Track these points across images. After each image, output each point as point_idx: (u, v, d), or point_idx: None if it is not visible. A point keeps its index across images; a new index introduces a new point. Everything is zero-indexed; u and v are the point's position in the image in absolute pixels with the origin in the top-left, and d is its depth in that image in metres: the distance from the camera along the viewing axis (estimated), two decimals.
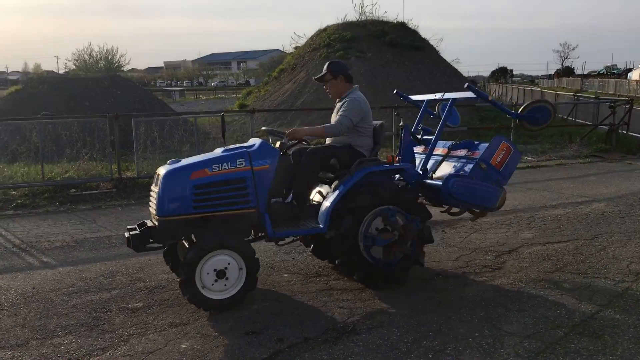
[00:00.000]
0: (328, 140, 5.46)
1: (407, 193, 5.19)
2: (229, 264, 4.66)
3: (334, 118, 5.33)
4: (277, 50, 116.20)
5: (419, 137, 6.06)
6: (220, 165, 4.74)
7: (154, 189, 4.77)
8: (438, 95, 6.03)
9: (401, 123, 5.63)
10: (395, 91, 7.10)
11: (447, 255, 6.19)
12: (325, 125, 5.22)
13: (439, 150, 5.78)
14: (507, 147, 5.32)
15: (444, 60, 21.17)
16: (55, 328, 4.53)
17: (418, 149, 5.92)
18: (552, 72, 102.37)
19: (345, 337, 4.23)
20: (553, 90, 30.04)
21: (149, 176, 10.21)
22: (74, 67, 47.36)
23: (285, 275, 5.68)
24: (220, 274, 4.64)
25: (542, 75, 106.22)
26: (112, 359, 3.97)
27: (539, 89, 29.16)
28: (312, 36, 22.33)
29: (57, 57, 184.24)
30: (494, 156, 5.26)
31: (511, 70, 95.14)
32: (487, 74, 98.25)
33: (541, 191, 9.94)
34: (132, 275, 5.81)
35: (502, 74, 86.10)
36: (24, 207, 9.32)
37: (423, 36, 21.33)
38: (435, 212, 5.88)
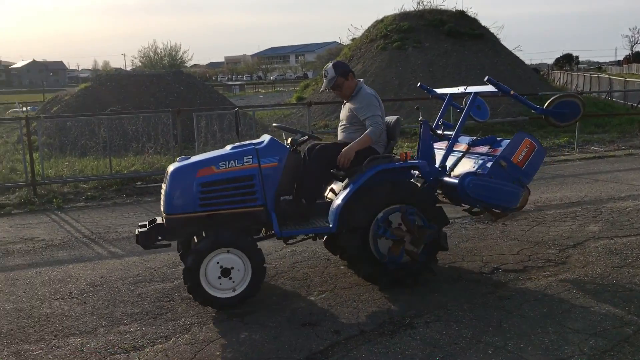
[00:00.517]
0: (340, 137, 5.33)
1: (426, 195, 5.01)
2: (234, 264, 4.60)
3: (346, 115, 5.24)
4: (335, 42, 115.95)
5: (440, 132, 5.79)
6: (227, 162, 4.67)
7: (163, 187, 4.77)
8: (461, 89, 5.77)
9: (420, 118, 5.41)
10: (419, 84, 6.88)
11: (508, 249, 6.04)
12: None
13: (461, 146, 5.55)
14: (531, 144, 5.06)
15: (505, 49, 20.57)
16: (121, 316, 4.72)
17: (441, 145, 5.66)
18: (620, 58, 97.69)
19: (402, 331, 4.21)
20: (622, 76, 28.63)
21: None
22: (139, 64, 48.80)
23: (342, 267, 5.69)
24: (225, 272, 4.59)
25: (609, 62, 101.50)
26: (174, 347, 4.10)
27: (606, 75, 27.88)
28: (368, 27, 22.19)
29: (124, 55, 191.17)
30: (515, 153, 5.01)
31: (577, 57, 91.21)
32: (550, 61, 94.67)
33: (609, 182, 9.52)
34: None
35: (567, 61, 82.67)
36: (93, 199, 9.74)
37: (483, 24, 20.82)
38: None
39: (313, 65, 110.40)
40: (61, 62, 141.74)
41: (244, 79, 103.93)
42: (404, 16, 20.86)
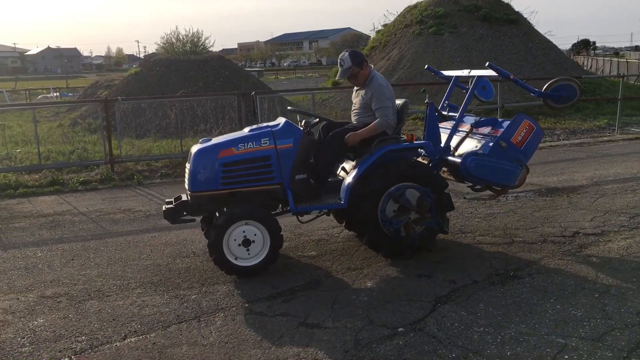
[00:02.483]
0: (353, 119, 5.62)
1: (420, 168, 5.37)
2: (255, 235, 5.02)
3: (359, 101, 5.53)
4: (348, 28, 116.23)
5: (445, 113, 6.15)
6: (246, 144, 5.07)
7: (187, 166, 5.18)
8: (465, 72, 6.11)
9: (426, 100, 5.73)
10: (426, 66, 7.22)
11: (581, 217, 6.60)
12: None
13: (465, 127, 5.83)
14: (530, 126, 5.37)
15: (539, 33, 20.92)
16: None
17: (446, 125, 5.95)
18: (637, 43, 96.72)
19: (509, 281, 4.80)
20: None
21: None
22: (162, 50, 49.28)
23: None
24: (246, 243, 5.02)
25: (626, 47, 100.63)
26: (315, 294, 4.72)
27: (624, 60, 28.07)
28: (402, 13, 22.58)
29: (138, 42, 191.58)
30: (515, 134, 5.33)
31: (594, 43, 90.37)
32: (565, 46, 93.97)
33: None
34: (293, 231, 6.56)
35: (584, 47, 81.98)
36: (167, 176, 10.38)
37: (516, 9, 21.18)
38: (553, 180, 6.27)
39: (327, 52, 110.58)
40: (75, 49, 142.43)
41: (258, 65, 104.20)
42: (438, 2, 21.23)
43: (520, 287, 4.66)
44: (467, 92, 6.12)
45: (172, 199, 5.47)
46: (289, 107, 5.82)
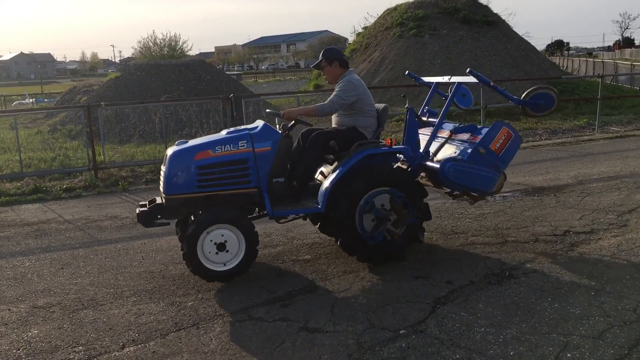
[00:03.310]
0: (334, 123, 5.59)
1: (417, 186, 5.32)
2: (228, 238, 4.93)
3: None
4: (326, 31, 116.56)
5: (424, 119, 6.13)
6: (223, 146, 4.99)
7: (163, 169, 5.08)
8: (445, 79, 6.12)
9: (406, 105, 5.74)
10: (407, 72, 7.21)
11: (570, 215, 6.68)
12: (317, 104, 5.42)
13: (444, 133, 5.86)
14: (508, 133, 5.37)
15: (517, 35, 21.19)
16: (248, 275, 5.28)
17: (426, 131, 5.92)
18: (609, 44, 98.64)
19: (506, 281, 4.83)
20: (624, 61, 29.45)
21: None
22: (139, 54, 48.78)
23: (426, 233, 6.27)
24: (221, 247, 4.93)
25: (598, 48, 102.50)
26: (313, 298, 4.70)
27: (611, 60, 28.65)
28: (382, 15, 22.68)
29: (113, 46, 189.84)
30: (493, 141, 5.33)
31: (567, 43, 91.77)
32: (540, 47, 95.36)
33: (638, 158, 10.20)
34: (285, 235, 6.53)
35: (557, 47, 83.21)
36: (152, 182, 10.26)
37: (494, 11, 21.42)
38: (539, 180, 6.35)
39: (304, 55, 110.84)
40: (49, 54, 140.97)
41: (236, 68, 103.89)
42: (418, 4, 21.38)
43: (517, 286, 4.69)
44: (446, 99, 6.12)
45: (147, 202, 5.35)
46: (267, 110, 5.70)
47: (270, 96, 18.69)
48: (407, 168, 5.49)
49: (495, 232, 6.18)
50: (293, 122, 5.34)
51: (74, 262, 5.95)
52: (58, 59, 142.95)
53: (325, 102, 5.37)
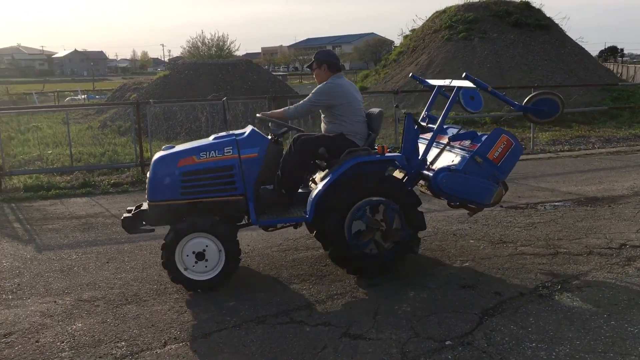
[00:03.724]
0: (322, 131, 5.36)
1: (411, 196, 5.02)
2: (206, 246, 4.78)
3: None
4: (372, 34, 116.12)
5: (424, 124, 5.73)
6: (208, 153, 4.83)
7: (148, 174, 4.95)
8: (447, 82, 5.91)
9: (404, 110, 5.53)
10: (410, 74, 6.96)
11: (626, 228, 6.37)
12: (284, 109, 5.23)
13: (444, 139, 5.60)
14: (508, 141, 5.06)
15: (571, 40, 20.55)
16: (289, 277, 5.24)
17: (428, 136, 5.57)
18: None
19: (558, 294, 4.62)
20: None
21: None
22: (187, 53, 49.61)
23: (472, 241, 6.11)
24: (200, 256, 4.79)
25: None
26: (355, 303, 4.61)
27: None
28: (430, 18, 22.38)
29: (163, 45, 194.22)
30: (491, 150, 5.02)
31: (621, 50, 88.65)
32: (593, 54, 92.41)
33: None
34: None
35: (611, 54, 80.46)
36: None
37: (547, 15, 20.85)
38: (592, 189, 6.05)
39: (349, 57, 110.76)
40: (101, 52, 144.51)
41: (281, 69, 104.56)
42: (468, 7, 21.01)
43: (569, 301, 4.48)
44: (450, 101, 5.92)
45: (133, 208, 5.23)
46: (257, 114, 5.27)
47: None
48: (404, 177, 5.32)
49: (546, 243, 5.94)
50: (285, 128, 5.18)
51: (119, 257, 6.02)
52: (110, 57, 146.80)
53: (296, 104, 5.19)
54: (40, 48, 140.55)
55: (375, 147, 5.23)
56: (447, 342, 3.86)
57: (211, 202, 4.86)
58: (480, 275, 5.09)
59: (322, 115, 5.37)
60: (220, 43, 51.49)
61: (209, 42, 51.23)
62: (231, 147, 4.86)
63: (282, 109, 5.24)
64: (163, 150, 5.10)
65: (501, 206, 7.52)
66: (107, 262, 5.85)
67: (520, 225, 6.64)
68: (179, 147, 5.11)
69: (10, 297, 4.99)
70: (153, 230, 5.23)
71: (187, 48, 52.29)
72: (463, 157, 5.08)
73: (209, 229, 4.76)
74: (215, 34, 56.56)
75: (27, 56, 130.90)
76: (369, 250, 4.93)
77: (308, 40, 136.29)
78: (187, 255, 4.78)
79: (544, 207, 7.45)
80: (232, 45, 52.96)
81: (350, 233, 4.89)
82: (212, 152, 4.85)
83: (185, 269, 4.80)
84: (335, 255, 4.99)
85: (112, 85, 56.40)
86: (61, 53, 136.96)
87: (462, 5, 21.45)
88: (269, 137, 5.08)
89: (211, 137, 5.21)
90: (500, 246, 5.91)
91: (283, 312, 4.47)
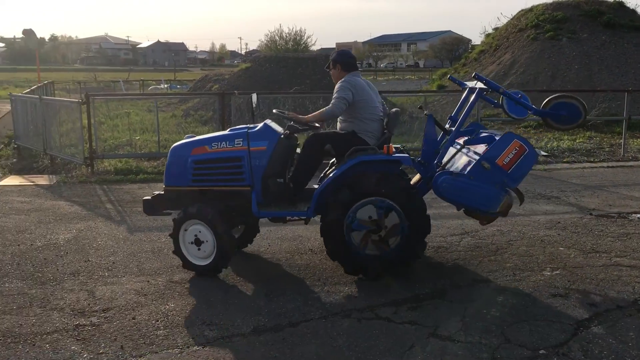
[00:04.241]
0: (338, 127, 5.33)
1: (395, 183, 4.85)
2: (199, 231, 5.01)
3: None
4: (449, 31, 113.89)
5: (447, 127, 5.43)
6: (219, 143, 5.03)
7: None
8: (472, 84, 5.54)
9: (426, 112, 5.25)
10: (449, 76, 6.71)
11: None
12: (321, 110, 5.17)
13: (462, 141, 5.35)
14: (520, 147, 4.70)
15: None
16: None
17: (460, 139, 5.35)
18: None
19: None
20: None
21: None
22: (265, 47, 50.40)
23: (562, 248, 5.88)
24: (197, 242, 5.03)
25: None
26: (441, 304, 4.56)
27: None
28: (515, 17, 21.67)
29: (240, 38, 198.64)
30: (501, 156, 4.70)
31: None
32: None
33: None
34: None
35: None
36: None
37: None
38: None
39: (425, 54, 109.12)
40: (182, 44, 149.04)
41: None
42: (557, 6, 20.20)
43: None
44: (495, 106, 5.72)
45: (155, 192, 5.46)
46: (274, 110, 5.44)
47: (391, 94, 18.49)
48: (418, 180, 5.23)
49: None
50: (304, 125, 5.23)
51: None
52: (190, 49, 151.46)
53: (329, 105, 5.13)
54: (126, 38, 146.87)
55: (397, 147, 5.21)
56: (541, 351, 3.74)
57: (219, 190, 5.08)
58: (572, 284, 4.90)
59: None
60: (297, 37, 52.08)
61: (286, 36, 51.90)
62: (242, 139, 5.02)
63: (319, 112, 5.22)
64: (185, 139, 5.33)
65: (591, 214, 7.21)
66: None
67: (614, 235, 6.33)
68: (197, 137, 5.33)
69: (106, 274, 5.24)
70: (170, 214, 5.49)
71: (265, 41, 53.13)
72: (469, 162, 4.87)
73: (197, 214, 4.99)
74: (292, 28, 57.20)
75: (113, 45, 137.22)
76: (370, 251, 4.86)
77: (383, 36, 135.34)
78: (190, 242, 5.07)
79: (639, 218, 7.07)
80: (308, 40, 53.39)
81: (351, 238, 4.83)
82: (224, 142, 5.05)
83: (189, 254, 5.10)
84: (332, 252, 4.95)
85: (191, 76, 58.20)
86: (145, 43, 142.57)
87: (551, 4, 20.64)
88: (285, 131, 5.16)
89: (228, 130, 5.39)
90: (593, 256, 5.66)
91: (368, 308, 4.47)
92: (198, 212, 4.99)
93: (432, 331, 4.05)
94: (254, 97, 5.40)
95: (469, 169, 4.78)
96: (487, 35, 23.32)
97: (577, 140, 13.18)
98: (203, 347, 3.84)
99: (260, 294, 4.74)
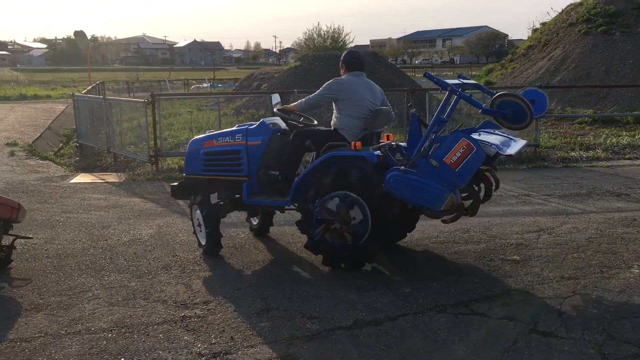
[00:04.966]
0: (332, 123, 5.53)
1: (362, 178, 4.96)
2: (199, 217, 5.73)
3: None
4: (485, 27, 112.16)
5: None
6: (224, 138, 5.66)
7: None
8: (459, 81, 5.34)
9: (412, 110, 5.23)
10: (424, 73, 6.34)
11: None
12: (298, 101, 5.61)
13: None
14: (468, 145, 4.60)
15: None
16: (457, 269, 5.29)
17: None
18: None
19: None
20: None
21: None
22: (303, 45, 50.66)
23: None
24: (199, 225, 5.76)
25: None
26: (534, 299, 4.58)
27: None
28: (564, 11, 21.33)
29: (275, 37, 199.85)
30: (449, 154, 4.61)
31: None
32: None
33: None
34: (485, 232, 6.40)
35: None
36: None
37: None
38: None
39: (461, 50, 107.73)
40: (218, 43, 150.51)
41: (389, 61, 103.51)
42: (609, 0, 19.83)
43: None
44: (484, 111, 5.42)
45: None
46: (275, 109, 5.71)
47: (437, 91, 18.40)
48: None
49: None
50: (292, 114, 5.63)
51: (283, 238, 6.33)
52: (225, 48, 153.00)
53: (307, 97, 5.56)
54: (163, 38, 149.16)
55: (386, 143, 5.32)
56: None
57: (222, 179, 5.74)
58: None
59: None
60: (336, 35, 52.19)
61: (324, 33, 52.07)
62: (241, 135, 5.59)
63: (295, 103, 5.65)
64: (206, 133, 6.00)
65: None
66: (276, 242, 6.18)
67: None
68: (212, 133, 5.97)
69: (196, 268, 5.42)
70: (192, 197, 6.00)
71: (303, 40, 53.36)
72: (419, 159, 4.82)
73: (195, 201, 5.75)
74: (331, 26, 57.27)
75: (151, 45, 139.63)
76: (338, 242, 5.06)
77: (417, 32, 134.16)
78: (197, 225, 5.82)
79: None
80: (346, 37, 53.43)
81: (315, 224, 5.10)
82: (227, 137, 5.68)
83: (199, 235, 5.83)
84: (309, 245, 5.27)
85: (229, 75, 58.85)
86: (182, 43, 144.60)
87: None
88: (284, 127, 5.65)
89: (236, 126, 5.95)
90: None
91: (462, 303, 4.52)
92: (196, 200, 5.72)
93: (531, 327, 4.08)
94: (276, 97, 5.93)
95: (419, 165, 4.76)
96: (535, 30, 23.02)
97: (637, 137, 12.92)
98: (309, 340, 3.96)
99: (351, 288, 4.83)
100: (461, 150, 4.60)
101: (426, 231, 6.46)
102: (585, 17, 19.45)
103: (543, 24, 22.65)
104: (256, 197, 5.52)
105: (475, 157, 4.60)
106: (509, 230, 6.44)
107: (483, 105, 5.32)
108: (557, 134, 13.39)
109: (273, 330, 4.10)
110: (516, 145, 5.15)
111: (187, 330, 4.12)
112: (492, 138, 5.06)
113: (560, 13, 21.70)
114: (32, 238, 5.97)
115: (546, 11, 48.15)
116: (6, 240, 5.41)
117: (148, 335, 4.05)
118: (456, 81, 5.31)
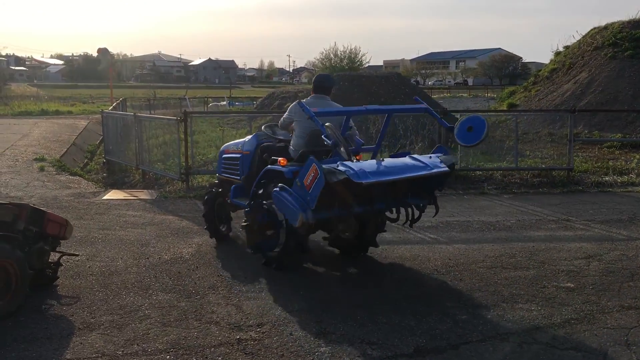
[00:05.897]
0: None
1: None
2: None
3: None
4: (499, 49, 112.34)
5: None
6: (234, 147, 6.85)
7: None
8: (362, 108, 6.54)
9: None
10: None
11: None
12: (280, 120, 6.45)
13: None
14: (316, 171, 5.00)
15: None
16: (511, 296, 5.14)
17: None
18: None
19: None
20: None
21: (478, 168, 10.96)
22: (319, 64, 50.96)
23: None
24: None
25: None
26: (599, 329, 4.44)
27: None
28: (588, 35, 21.24)
29: (289, 56, 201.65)
30: (306, 176, 5.09)
31: None
32: None
33: None
34: (532, 258, 6.26)
35: None
36: None
37: None
38: None
39: (474, 72, 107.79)
40: (232, 61, 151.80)
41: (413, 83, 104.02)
42: (635, 24, 19.67)
43: None
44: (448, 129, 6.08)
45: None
46: (262, 127, 6.72)
47: (458, 113, 18.34)
48: None
49: None
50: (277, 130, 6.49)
51: (336, 263, 6.23)
52: (239, 66, 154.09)
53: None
54: (178, 56, 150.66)
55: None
56: None
57: (228, 180, 6.81)
58: None
59: None
60: (352, 55, 52.47)
61: (341, 54, 52.37)
62: (241, 145, 6.66)
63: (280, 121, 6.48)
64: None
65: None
66: (324, 266, 6.08)
67: None
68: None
69: (243, 289, 5.32)
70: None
71: (319, 59, 53.56)
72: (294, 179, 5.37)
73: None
74: (347, 46, 57.58)
75: (166, 63, 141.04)
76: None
77: (431, 54, 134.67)
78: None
79: None
80: (363, 58, 53.68)
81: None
82: (235, 147, 6.84)
83: None
84: (252, 247, 5.85)
85: (243, 93, 59.13)
86: (196, 61, 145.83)
87: (629, 22, 20.13)
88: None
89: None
90: None
91: (523, 332, 4.40)
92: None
93: (601, 358, 3.95)
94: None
95: (295, 184, 5.27)
96: (557, 54, 22.93)
97: None
98: None
99: (406, 313, 4.72)
100: (312, 175, 5.05)
101: (471, 255, 6.35)
102: (611, 41, 19.35)
103: (566, 47, 22.57)
104: (237, 198, 6.41)
105: (319, 182, 4.98)
106: (557, 257, 6.31)
107: (447, 124, 6.04)
108: (588, 157, 13.23)
109: (334, 356, 3.99)
110: (415, 171, 5.37)
111: (245, 353, 4.02)
112: (384, 163, 5.37)
113: (584, 36, 21.63)
114: (78, 255, 5.91)
115: (570, 34, 47.97)
116: (53, 257, 5.36)
117: (206, 357, 3.96)
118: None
